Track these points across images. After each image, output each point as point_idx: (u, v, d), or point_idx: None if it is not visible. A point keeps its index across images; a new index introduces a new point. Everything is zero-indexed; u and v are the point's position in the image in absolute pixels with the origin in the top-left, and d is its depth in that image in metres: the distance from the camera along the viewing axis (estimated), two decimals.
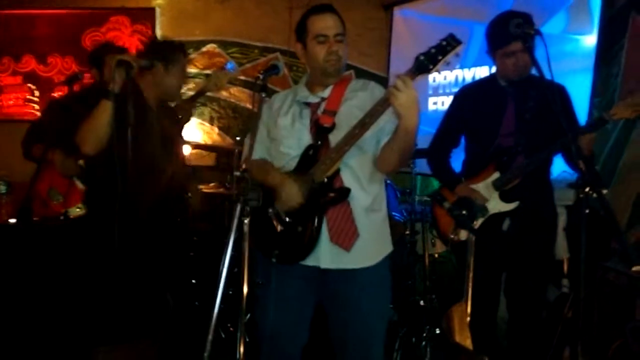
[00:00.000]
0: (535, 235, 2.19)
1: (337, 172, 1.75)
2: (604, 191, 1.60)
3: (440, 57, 1.54)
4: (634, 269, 2.13)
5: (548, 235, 2.28)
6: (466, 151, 2.38)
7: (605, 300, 2.32)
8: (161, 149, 2.26)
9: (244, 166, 1.59)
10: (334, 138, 1.74)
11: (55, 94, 4.58)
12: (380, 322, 1.86)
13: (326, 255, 1.76)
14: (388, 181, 3.05)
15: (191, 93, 2.95)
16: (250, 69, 4.66)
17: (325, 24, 1.79)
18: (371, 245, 1.81)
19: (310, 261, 1.77)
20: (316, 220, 1.75)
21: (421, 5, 4.23)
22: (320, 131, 1.78)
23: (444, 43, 1.55)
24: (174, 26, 4.69)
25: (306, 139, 1.80)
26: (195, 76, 4.70)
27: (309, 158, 1.78)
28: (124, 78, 2.00)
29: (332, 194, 1.75)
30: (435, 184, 4.25)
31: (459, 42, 1.54)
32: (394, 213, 2.96)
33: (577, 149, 1.76)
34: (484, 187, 2.20)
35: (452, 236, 2.19)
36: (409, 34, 4.33)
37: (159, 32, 4.64)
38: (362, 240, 1.77)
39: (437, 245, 3.08)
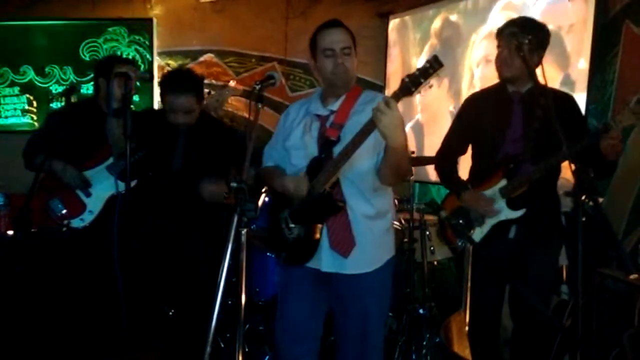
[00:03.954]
0: (540, 244, 2.16)
1: (337, 184, 1.81)
2: (600, 199, 1.61)
3: (422, 80, 1.58)
4: (631, 277, 2.13)
5: (553, 244, 2.24)
6: (473, 158, 2.35)
7: (604, 307, 2.31)
8: None
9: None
10: (339, 151, 1.78)
11: (53, 105, 4.58)
12: (380, 323, 1.94)
13: (326, 260, 1.84)
14: None
15: None
16: (248, 78, 4.67)
17: (331, 38, 1.84)
18: (370, 253, 1.86)
19: (312, 264, 1.86)
20: (317, 228, 1.82)
21: (416, 13, 4.25)
22: (326, 144, 1.83)
23: (427, 65, 1.59)
24: (171, 36, 4.70)
25: (313, 151, 1.85)
26: None
27: (313, 170, 1.82)
28: (123, 90, 2.04)
29: (327, 207, 1.81)
30: (433, 191, 4.25)
31: (440, 64, 1.57)
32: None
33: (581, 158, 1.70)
34: (491, 195, 2.17)
35: (459, 244, 2.19)
36: (405, 42, 4.35)
37: (156, 43, 4.66)
38: (361, 248, 1.83)
39: (436, 252, 3.08)
